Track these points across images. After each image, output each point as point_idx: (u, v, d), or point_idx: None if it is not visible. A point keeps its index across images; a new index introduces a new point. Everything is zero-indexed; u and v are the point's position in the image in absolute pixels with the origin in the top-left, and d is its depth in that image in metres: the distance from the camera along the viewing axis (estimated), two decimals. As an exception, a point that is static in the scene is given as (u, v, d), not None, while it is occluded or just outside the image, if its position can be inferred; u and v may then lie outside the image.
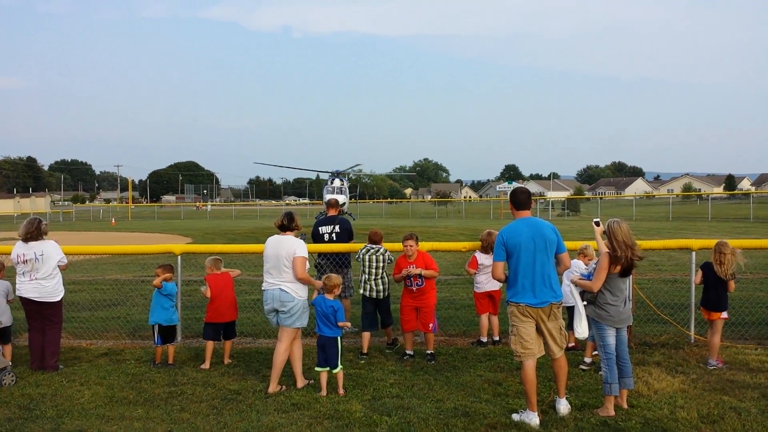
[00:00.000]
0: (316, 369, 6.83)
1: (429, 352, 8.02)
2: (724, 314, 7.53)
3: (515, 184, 68.57)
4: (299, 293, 6.94)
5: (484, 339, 8.64)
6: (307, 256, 7.06)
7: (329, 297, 6.91)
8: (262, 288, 7.06)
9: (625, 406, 6.05)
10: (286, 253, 6.89)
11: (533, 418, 5.72)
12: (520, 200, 6.07)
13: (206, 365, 7.78)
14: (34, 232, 7.82)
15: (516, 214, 6.10)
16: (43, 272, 7.76)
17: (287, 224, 7.06)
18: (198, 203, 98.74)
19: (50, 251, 7.87)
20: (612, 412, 5.87)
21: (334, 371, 6.77)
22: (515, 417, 5.84)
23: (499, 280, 6.13)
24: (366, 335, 8.30)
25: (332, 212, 9.81)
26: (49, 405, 6.42)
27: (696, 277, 7.73)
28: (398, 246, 8.36)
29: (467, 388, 6.77)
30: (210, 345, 7.94)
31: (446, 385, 6.86)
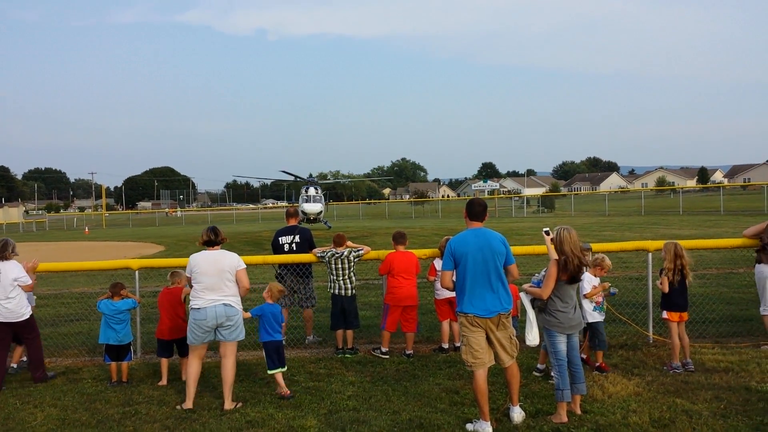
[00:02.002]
0: (270, 372, 7.11)
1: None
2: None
3: (490, 183, 69.24)
4: (240, 305, 7.04)
5: (446, 345, 8.66)
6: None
7: (272, 302, 7.32)
8: (197, 306, 6.84)
9: (579, 411, 6.08)
10: (228, 268, 6.92)
11: (486, 428, 5.75)
12: (475, 211, 6.09)
13: (164, 381, 7.72)
14: None
15: (468, 224, 6.13)
16: (1, 294, 7.76)
17: (215, 238, 7.04)
18: (168, 209, 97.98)
19: (8, 272, 7.82)
20: (565, 419, 5.89)
21: (283, 370, 7.18)
22: (469, 427, 5.85)
23: (447, 289, 6.16)
24: (338, 333, 8.77)
25: (292, 222, 9.79)
26: (0, 430, 6.31)
27: (664, 285, 7.55)
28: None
29: (424, 397, 6.76)
30: (164, 362, 7.87)
31: (404, 396, 6.85)
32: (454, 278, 6.06)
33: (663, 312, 7.64)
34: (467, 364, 5.93)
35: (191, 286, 7.03)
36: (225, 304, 6.85)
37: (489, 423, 5.77)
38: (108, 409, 6.82)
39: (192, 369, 6.92)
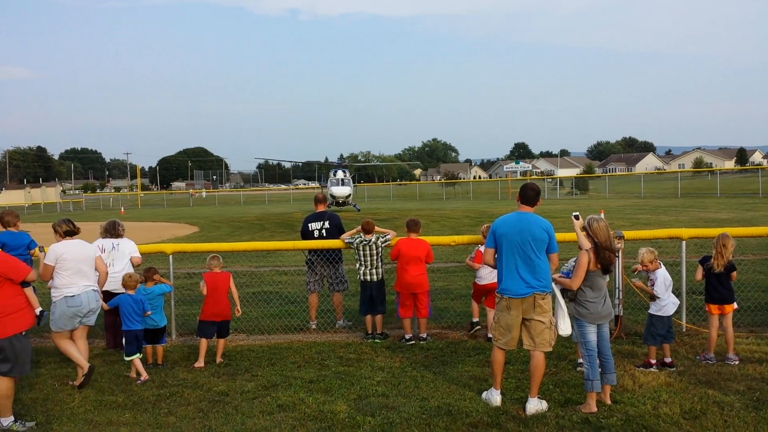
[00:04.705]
0: (129, 358, 7.53)
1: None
2: (735, 305, 7.47)
3: (522, 164, 68.51)
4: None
5: (476, 319, 8.78)
6: None
7: (132, 293, 7.76)
8: (73, 294, 7.20)
9: (609, 401, 6.06)
10: (93, 255, 7.51)
11: (496, 396, 6.14)
12: (527, 195, 6.27)
13: (200, 363, 7.86)
14: (112, 231, 8.67)
15: (519, 206, 6.30)
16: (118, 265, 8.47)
17: (75, 229, 7.51)
18: (191, 190, 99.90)
19: (125, 246, 8.59)
20: (594, 409, 5.88)
21: (140, 356, 7.62)
22: (484, 395, 6.26)
23: (488, 265, 6.46)
24: (368, 318, 8.86)
25: (321, 208, 9.85)
26: (39, 410, 6.49)
27: (697, 273, 7.47)
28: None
29: (453, 385, 6.80)
30: (204, 343, 8.02)
31: (433, 383, 6.89)
32: (496, 256, 6.26)
33: (705, 304, 7.50)
34: (493, 339, 6.27)
35: (49, 277, 7.29)
36: (95, 290, 7.41)
37: (498, 392, 6.15)
38: (143, 391, 6.98)
39: (82, 350, 7.37)
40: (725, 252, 7.27)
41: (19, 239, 8.13)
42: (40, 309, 6.43)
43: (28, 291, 6.28)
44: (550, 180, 66.05)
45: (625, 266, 8.45)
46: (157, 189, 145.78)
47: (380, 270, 8.91)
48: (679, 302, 7.32)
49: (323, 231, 9.57)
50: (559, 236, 9.06)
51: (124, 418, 6.21)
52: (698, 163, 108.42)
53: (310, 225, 9.67)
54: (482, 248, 8.61)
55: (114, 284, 8.44)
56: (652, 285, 7.20)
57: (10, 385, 6.05)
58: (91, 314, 7.45)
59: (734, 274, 7.37)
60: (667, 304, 7.14)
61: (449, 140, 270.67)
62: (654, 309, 7.18)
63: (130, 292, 7.78)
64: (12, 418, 6.08)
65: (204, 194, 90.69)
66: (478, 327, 8.71)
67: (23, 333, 6.10)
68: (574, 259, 6.32)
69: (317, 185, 67.83)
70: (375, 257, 8.85)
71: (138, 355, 7.55)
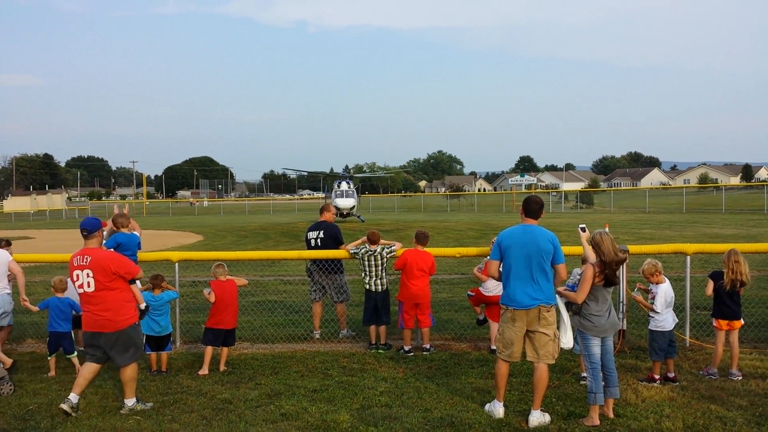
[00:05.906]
0: (49, 357, 8.05)
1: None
2: (742, 320, 7.48)
3: (527, 177, 68.48)
4: None
5: (482, 317, 8.81)
6: None
7: (61, 296, 8.12)
8: None
9: (611, 415, 6.06)
10: (6, 261, 8.20)
11: (498, 408, 6.16)
12: (531, 209, 6.29)
13: (204, 371, 7.88)
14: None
15: (523, 219, 6.33)
16: None
17: None
18: (192, 199, 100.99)
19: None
20: (597, 422, 5.88)
21: (72, 356, 8.12)
22: (487, 407, 6.28)
23: (493, 277, 6.47)
24: (372, 328, 8.89)
25: (323, 217, 9.93)
26: (44, 415, 6.53)
27: (708, 288, 7.44)
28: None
29: (456, 396, 6.80)
30: (209, 350, 8.05)
31: (436, 394, 6.90)
32: (501, 269, 6.28)
33: (713, 319, 7.51)
34: (497, 351, 6.29)
35: None
36: (8, 293, 8.18)
37: (501, 404, 6.17)
38: (147, 398, 6.99)
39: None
40: (738, 268, 7.24)
41: (131, 240, 8.53)
42: (145, 304, 6.95)
43: (134, 288, 6.79)
44: (555, 194, 66.04)
45: (629, 280, 8.46)
46: (163, 197, 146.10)
47: (385, 280, 8.96)
48: (677, 319, 7.32)
49: (318, 240, 9.64)
50: (564, 249, 9.13)
51: (127, 424, 6.24)
52: (703, 179, 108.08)
53: (308, 234, 9.80)
54: None
55: None
56: (653, 299, 7.21)
57: (135, 367, 6.72)
58: (5, 315, 8.16)
59: (742, 289, 7.40)
60: (665, 318, 7.15)
61: (454, 152, 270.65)
62: (652, 325, 7.20)
63: (59, 295, 8.12)
64: (135, 399, 6.66)
65: (205, 203, 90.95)
66: (486, 322, 8.74)
67: (136, 323, 6.73)
68: (579, 271, 6.35)
69: (322, 195, 68.03)
70: (380, 268, 8.90)
71: (70, 354, 8.08)
